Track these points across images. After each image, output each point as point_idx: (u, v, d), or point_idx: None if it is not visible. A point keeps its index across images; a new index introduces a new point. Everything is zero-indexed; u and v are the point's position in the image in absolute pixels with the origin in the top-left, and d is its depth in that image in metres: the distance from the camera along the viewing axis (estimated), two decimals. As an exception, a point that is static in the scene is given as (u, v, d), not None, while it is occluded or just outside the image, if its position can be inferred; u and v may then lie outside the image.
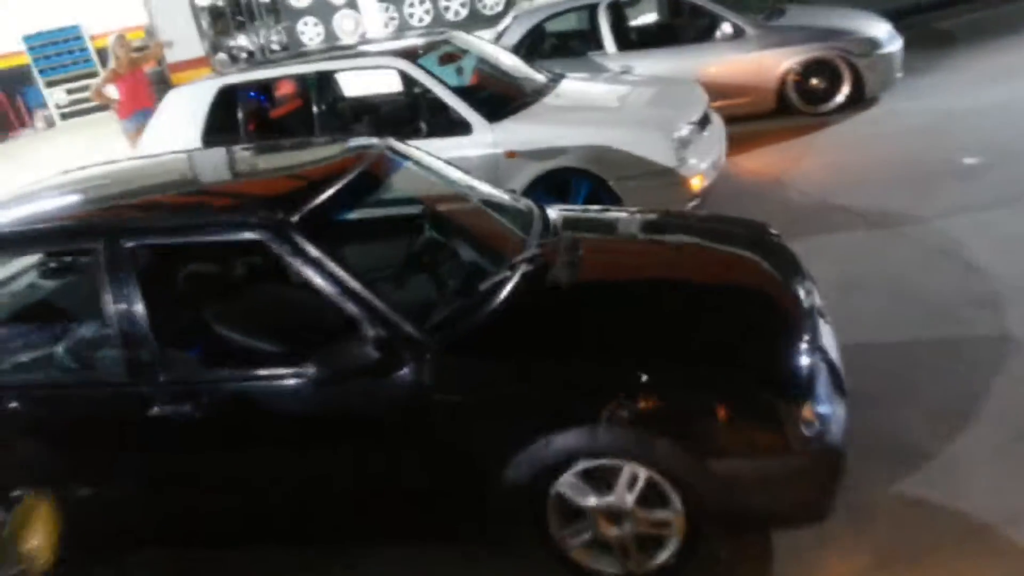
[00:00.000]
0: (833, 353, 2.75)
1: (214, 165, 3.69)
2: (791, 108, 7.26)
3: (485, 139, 5.15)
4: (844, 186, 5.62)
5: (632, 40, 7.64)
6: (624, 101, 5.68)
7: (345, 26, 15.83)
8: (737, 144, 6.65)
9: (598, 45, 7.46)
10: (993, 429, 3.02)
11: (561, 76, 6.10)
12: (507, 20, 7.75)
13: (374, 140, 3.62)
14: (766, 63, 7.12)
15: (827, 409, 2.48)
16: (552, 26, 7.88)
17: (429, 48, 5.91)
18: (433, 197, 3.61)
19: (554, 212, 3.56)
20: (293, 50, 15.47)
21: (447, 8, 15.99)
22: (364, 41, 13.61)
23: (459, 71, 6.11)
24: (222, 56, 12.01)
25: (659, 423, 2.38)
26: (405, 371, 2.48)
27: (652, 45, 7.51)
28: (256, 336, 2.70)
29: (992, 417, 3.08)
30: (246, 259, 3.34)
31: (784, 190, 5.80)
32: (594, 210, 4.17)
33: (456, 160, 5.17)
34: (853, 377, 2.82)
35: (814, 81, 7.18)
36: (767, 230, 3.51)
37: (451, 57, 6.05)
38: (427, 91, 5.30)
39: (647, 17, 8.62)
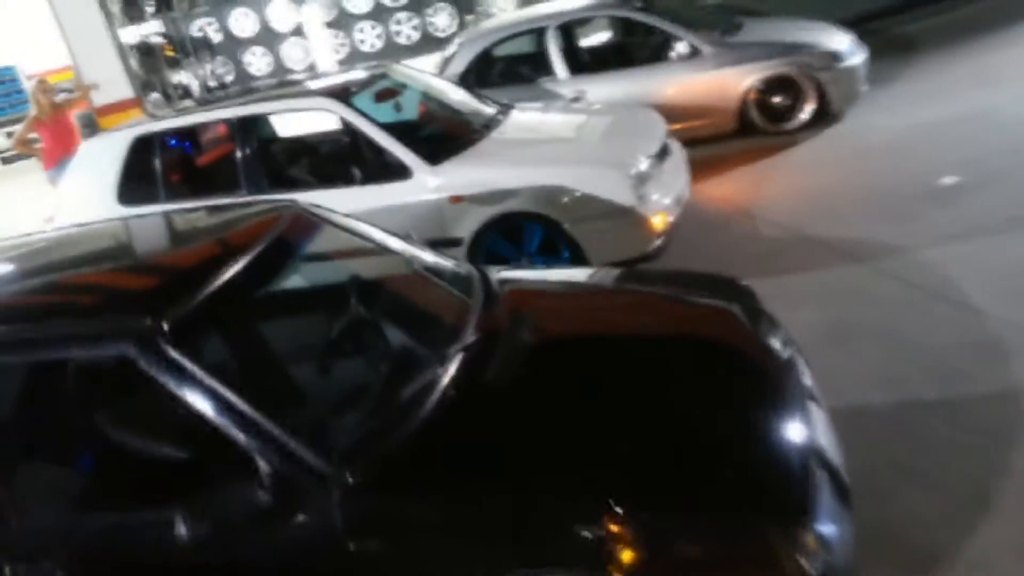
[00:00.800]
0: (831, 451, 2.29)
1: (89, 245, 3.08)
2: (754, 128, 6.88)
3: (426, 184, 4.68)
4: (817, 215, 5.23)
5: (584, 64, 7.24)
6: (577, 134, 5.26)
7: (294, 55, 15.32)
8: (701, 169, 6.25)
9: (549, 70, 7.04)
10: (1017, 523, 2.59)
11: (510, 108, 5.65)
12: (452, 47, 7.31)
13: (286, 201, 3.14)
14: (725, 82, 6.74)
15: (831, 529, 2.03)
16: (500, 52, 7.45)
17: (364, 85, 5.44)
18: (352, 272, 3.12)
19: (498, 278, 3.10)
20: (242, 82, 14.94)
21: (398, 32, 15.54)
22: (312, 75, 13.17)
23: (398, 108, 5.64)
24: (155, 96, 11.40)
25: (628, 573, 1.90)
26: (309, 515, 1.98)
27: (605, 68, 7.10)
28: (125, 474, 2.19)
29: (1015, 505, 2.65)
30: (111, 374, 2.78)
31: (753, 221, 5.40)
32: (544, 274, 3.68)
33: (395, 208, 4.74)
34: (851, 458, 2.38)
35: (776, 99, 6.82)
36: (741, 290, 3.07)
37: (390, 93, 5.58)
38: (361, 134, 4.82)
39: (599, 39, 8.21)
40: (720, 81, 6.74)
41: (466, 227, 4.68)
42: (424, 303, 2.97)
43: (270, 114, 4.97)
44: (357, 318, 2.94)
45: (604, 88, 6.89)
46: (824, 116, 6.79)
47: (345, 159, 4.93)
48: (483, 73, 7.27)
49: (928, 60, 7.99)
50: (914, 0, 9.88)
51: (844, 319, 4.03)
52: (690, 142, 6.77)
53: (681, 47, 6.75)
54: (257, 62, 15.14)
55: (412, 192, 4.69)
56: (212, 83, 11.73)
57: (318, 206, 3.15)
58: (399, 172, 4.71)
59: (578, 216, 4.57)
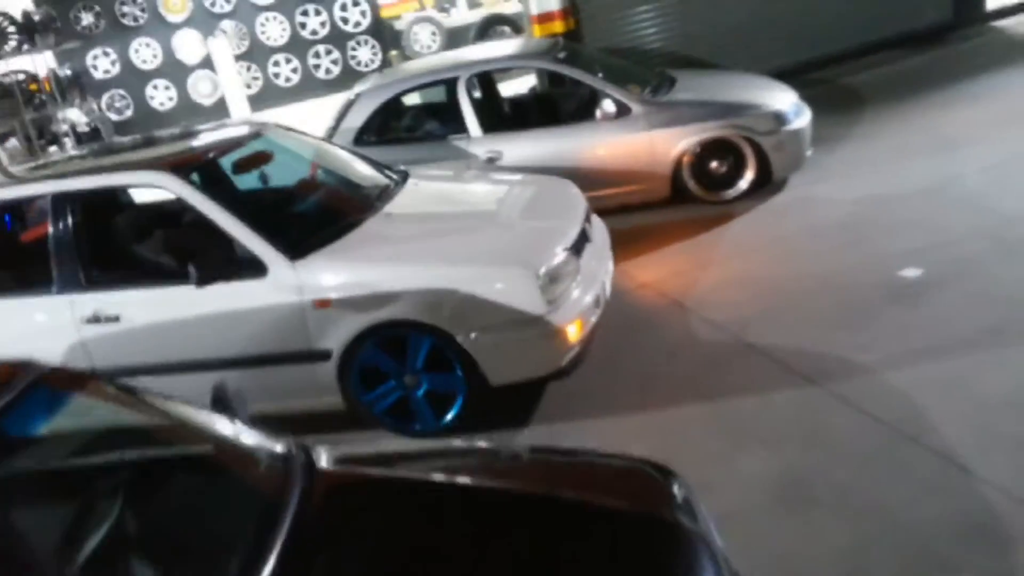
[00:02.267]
0: None
1: None
2: (689, 196, 6.14)
3: (286, 282, 3.75)
4: (762, 313, 4.46)
5: (501, 120, 6.41)
6: (478, 218, 4.38)
7: (201, 88, 14.23)
8: (629, 243, 5.50)
9: (460, 127, 6.19)
10: None
11: (405, 178, 4.78)
12: (351, 95, 6.40)
13: (20, 364, 2.18)
14: (657, 145, 5.99)
15: None
16: (405, 104, 6.59)
17: (226, 149, 4.50)
18: (107, 468, 2.16)
19: (326, 466, 2.20)
20: (142, 119, 13.76)
21: (317, 66, 14.59)
22: (202, 122, 12.09)
23: (264, 180, 4.71)
24: (12, 144, 10.15)
25: None
26: None
27: (524, 126, 6.28)
28: None
29: None
30: None
31: (687, 319, 4.59)
32: (392, 454, 2.71)
33: (246, 315, 3.79)
34: None
35: (713, 164, 6.09)
36: (663, 489, 2.22)
37: (257, 160, 4.65)
38: (204, 218, 3.86)
39: (518, 93, 7.39)
40: (651, 144, 5.99)
41: (335, 338, 3.76)
42: (217, 505, 2.04)
43: (89, 191, 3.99)
44: (123, 531, 2.00)
45: (523, 148, 6.08)
46: (765, 184, 6.08)
47: (185, 250, 3.96)
48: (385, 128, 6.40)
49: (875, 118, 7.40)
50: (858, 50, 9.40)
51: (797, 469, 3.23)
52: (619, 210, 6.09)
53: (607, 105, 5.98)
54: (160, 96, 14.01)
55: (267, 294, 3.75)
56: (85, 127, 10.49)
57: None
58: (252, 268, 3.76)
59: (474, 326, 3.69)
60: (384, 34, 14.54)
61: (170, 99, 14.14)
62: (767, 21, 9.07)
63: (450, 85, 6.28)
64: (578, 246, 4.09)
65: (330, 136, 6.28)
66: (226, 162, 4.49)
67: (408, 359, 3.81)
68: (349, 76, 14.59)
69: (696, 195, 6.15)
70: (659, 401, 3.89)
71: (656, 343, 4.41)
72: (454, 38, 12.47)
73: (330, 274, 3.75)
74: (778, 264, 5.02)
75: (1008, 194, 5.20)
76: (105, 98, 13.71)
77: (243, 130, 4.82)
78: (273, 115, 13.73)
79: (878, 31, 9.45)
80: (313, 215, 4.30)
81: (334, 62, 14.71)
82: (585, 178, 5.99)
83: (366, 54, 14.72)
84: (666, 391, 3.96)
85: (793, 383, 3.79)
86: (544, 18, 8.49)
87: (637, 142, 6.01)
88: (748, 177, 6.05)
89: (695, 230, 5.77)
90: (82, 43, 13.15)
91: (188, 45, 13.87)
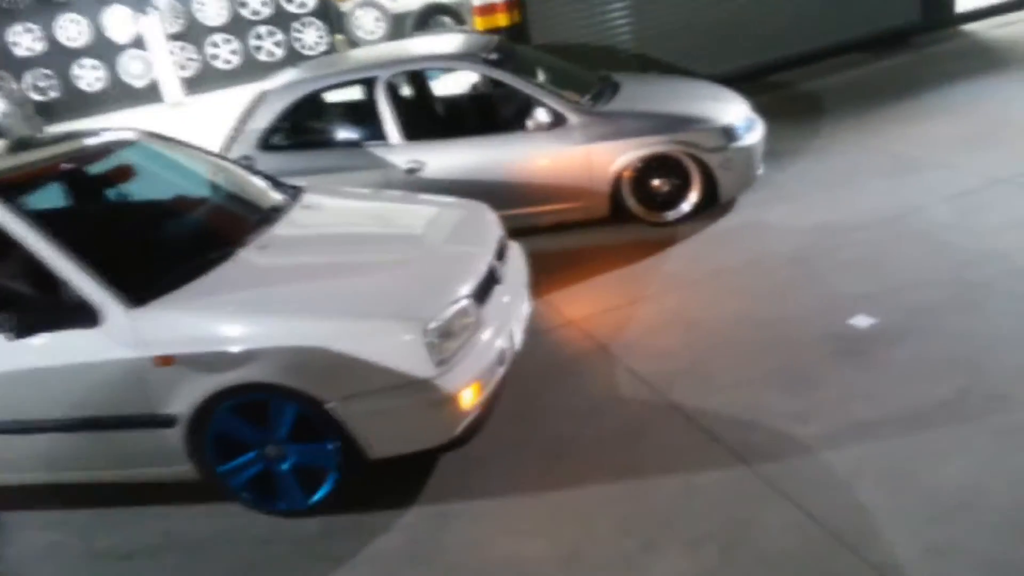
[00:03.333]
0: None
1: None
2: (630, 215, 5.60)
3: (121, 334, 3.12)
4: (692, 367, 3.92)
5: (425, 127, 5.77)
6: (364, 254, 3.72)
7: (132, 69, 13.36)
8: (557, 270, 5.00)
9: (378, 133, 5.57)
10: None
11: (296, 197, 4.16)
12: (256, 94, 5.74)
13: None
14: (595, 160, 5.42)
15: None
16: (318, 105, 5.94)
17: (75, 164, 3.85)
18: None
19: None
20: (69, 98, 12.86)
21: (258, 48, 13.80)
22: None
23: (122, 202, 4.06)
24: None
25: None
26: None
27: (451, 133, 5.66)
28: None
29: None
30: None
31: (611, 369, 4.04)
32: None
33: (70, 372, 3.17)
34: None
35: (655, 182, 5.54)
36: None
37: (119, 176, 4.00)
38: (27, 252, 3.22)
39: (445, 97, 6.73)
40: (588, 158, 5.42)
41: (181, 402, 3.15)
42: None
43: None
44: None
45: (448, 158, 5.49)
46: (711, 205, 5.55)
47: (1, 291, 3.31)
48: (294, 132, 5.75)
49: (833, 131, 6.90)
50: (822, 52, 8.89)
51: (717, 582, 2.71)
52: (553, 228, 5.55)
53: (541, 114, 5.39)
54: (87, 76, 13.13)
55: (99, 347, 3.12)
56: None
57: None
58: (83, 315, 3.13)
59: (348, 391, 3.11)
60: (331, 16, 13.79)
61: (98, 80, 13.28)
62: (727, 20, 8.52)
63: (368, 85, 5.65)
64: (483, 290, 3.51)
65: (233, 139, 5.63)
66: (75, 179, 3.84)
67: (271, 427, 3.21)
68: (293, 59, 13.83)
69: (637, 215, 5.60)
70: (568, 476, 3.35)
71: (574, 398, 3.86)
72: (400, 25, 11.74)
73: (175, 324, 3.13)
74: (717, 303, 4.48)
75: (973, 230, 4.72)
76: (28, 77, 12.80)
77: (108, 139, 4.16)
78: (210, 99, 12.97)
79: (842, 32, 8.96)
80: (172, 248, 3.65)
81: (277, 44, 13.94)
82: (517, 193, 5.48)
83: (311, 36, 13.96)
84: (578, 462, 3.42)
85: (719, 460, 3.25)
86: (486, 9, 7.86)
87: (573, 156, 5.44)
88: (692, 199, 5.52)
89: (632, 256, 5.23)
90: (2, 17, 12.24)
91: (118, 22, 13.00)
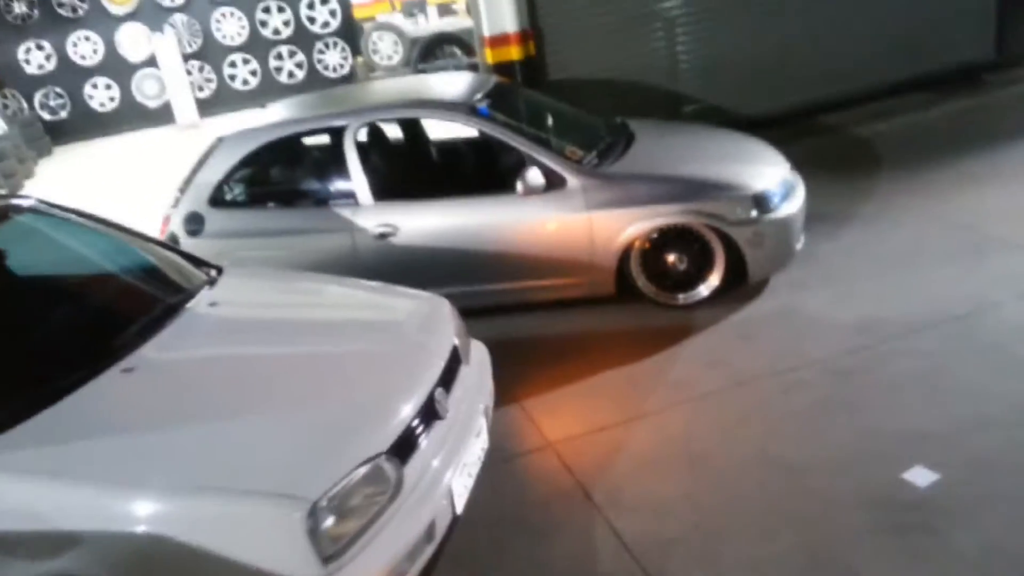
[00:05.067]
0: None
1: None
2: (638, 294, 4.71)
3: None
4: (693, 534, 3.00)
5: (400, 185, 4.93)
6: (254, 384, 2.85)
7: (147, 89, 12.87)
8: (543, 365, 4.23)
9: (347, 190, 4.78)
10: None
11: (203, 285, 3.37)
12: (211, 141, 4.97)
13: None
14: (599, 230, 4.56)
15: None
16: (279, 155, 5.15)
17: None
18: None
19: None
20: (80, 116, 12.38)
21: (279, 69, 13.19)
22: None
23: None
24: None
25: None
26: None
27: (430, 193, 4.82)
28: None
29: None
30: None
31: (589, 525, 3.14)
32: None
33: None
34: None
35: (671, 258, 4.65)
36: None
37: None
38: None
39: (424, 151, 5.82)
40: (590, 228, 4.55)
41: (-15, 594, 2.36)
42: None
43: None
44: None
45: (426, 221, 4.70)
46: (738, 284, 4.63)
47: None
48: (251, 186, 5.00)
49: (888, 192, 5.91)
50: (877, 90, 7.88)
51: None
52: (550, 305, 4.72)
53: (533, 176, 4.53)
54: (100, 95, 12.66)
55: None
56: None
57: None
58: None
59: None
60: (355, 37, 13.14)
61: (111, 99, 12.81)
62: (771, 52, 7.59)
63: (336, 135, 4.86)
64: (409, 441, 2.66)
65: (182, 192, 4.88)
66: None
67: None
68: (315, 81, 13.23)
69: (646, 295, 4.71)
70: None
71: (534, 571, 2.98)
72: (419, 50, 10.94)
73: (-15, 492, 2.35)
74: (731, 431, 3.56)
75: (1065, 344, 3.73)
76: (38, 96, 12.37)
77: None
78: (227, 121, 12.36)
79: (903, 68, 7.94)
80: (9, 374, 2.84)
81: (298, 65, 13.33)
82: (507, 266, 4.67)
83: (334, 58, 13.32)
84: None
85: None
86: (498, 41, 7.06)
87: (573, 224, 4.58)
88: (711, 282, 4.61)
89: (636, 349, 4.33)
90: (12, 33, 11.82)
91: (133, 41, 12.51)
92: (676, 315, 4.63)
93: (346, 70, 13.09)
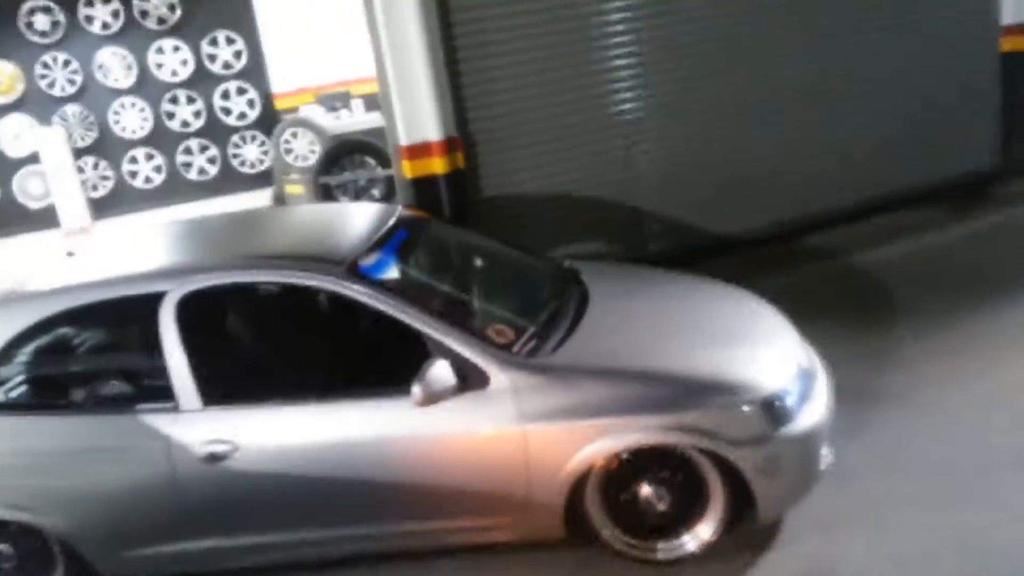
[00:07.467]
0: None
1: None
2: (597, 540, 3.18)
3: None
4: None
5: (241, 381, 3.30)
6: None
7: (30, 189, 11.24)
8: None
9: (163, 389, 3.20)
10: None
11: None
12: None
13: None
14: (538, 450, 3.06)
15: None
16: (61, 338, 3.55)
17: None
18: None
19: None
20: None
21: (188, 165, 11.68)
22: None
23: None
24: None
25: None
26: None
27: (285, 394, 3.25)
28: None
29: None
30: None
31: None
32: None
33: None
34: None
35: (645, 490, 3.15)
36: None
37: None
38: None
39: (279, 329, 3.81)
40: (524, 446, 3.05)
41: None
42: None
43: None
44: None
45: (279, 436, 3.18)
46: (739, 523, 3.14)
47: None
48: (22, 382, 3.39)
49: (917, 350, 4.54)
50: (870, 204, 6.68)
51: None
52: (471, 549, 3.17)
53: (440, 371, 3.03)
54: (-27, 193, 11.02)
55: None
56: None
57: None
58: None
59: None
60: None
61: (-9, 196, 11.14)
62: (748, 161, 6.35)
63: (149, 306, 3.27)
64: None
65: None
66: None
67: None
68: (230, 178, 11.78)
69: (610, 542, 3.19)
70: None
71: None
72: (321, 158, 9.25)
73: None
74: None
75: None
76: None
77: None
78: (123, 223, 10.82)
79: (900, 180, 6.78)
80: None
81: (211, 160, 11.85)
82: (402, 500, 3.11)
83: (253, 152, 11.88)
84: None
85: None
86: (418, 151, 5.64)
87: (499, 442, 3.08)
88: (702, 532, 3.11)
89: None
90: None
91: (15, 134, 10.95)
92: (652, 574, 3.11)
93: (266, 166, 11.65)
